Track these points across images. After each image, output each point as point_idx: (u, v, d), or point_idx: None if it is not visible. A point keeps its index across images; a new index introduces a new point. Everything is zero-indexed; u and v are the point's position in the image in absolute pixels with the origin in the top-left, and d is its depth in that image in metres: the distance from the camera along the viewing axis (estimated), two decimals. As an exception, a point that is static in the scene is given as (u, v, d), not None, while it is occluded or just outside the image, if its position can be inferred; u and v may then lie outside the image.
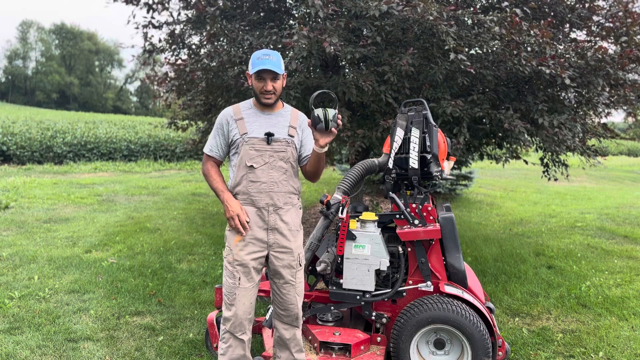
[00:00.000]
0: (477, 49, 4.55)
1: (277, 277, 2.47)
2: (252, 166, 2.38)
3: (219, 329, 2.94)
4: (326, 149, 2.33)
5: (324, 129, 2.23)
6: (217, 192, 2.47)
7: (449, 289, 2.73)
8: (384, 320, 2.89)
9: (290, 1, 5.67)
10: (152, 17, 6.06)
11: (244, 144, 2.39)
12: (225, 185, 2.48)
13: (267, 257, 2.46)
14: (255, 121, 2.43)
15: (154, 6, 5.95)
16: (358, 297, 2.87)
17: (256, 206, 2.40)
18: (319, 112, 2.20)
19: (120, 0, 5.98)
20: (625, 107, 5.40)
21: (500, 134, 5.32)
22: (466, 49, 4.21)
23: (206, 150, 2.52)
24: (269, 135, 2.39)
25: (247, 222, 2.38)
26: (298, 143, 2.49)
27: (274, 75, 2.38)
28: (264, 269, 2.54)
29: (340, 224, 2.87)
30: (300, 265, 2.51)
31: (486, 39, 4.21)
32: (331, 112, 2.21)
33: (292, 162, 2.46)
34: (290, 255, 2.45)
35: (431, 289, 2.82)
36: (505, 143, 5.70)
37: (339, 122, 2.25)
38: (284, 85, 2.48)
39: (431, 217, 2.94)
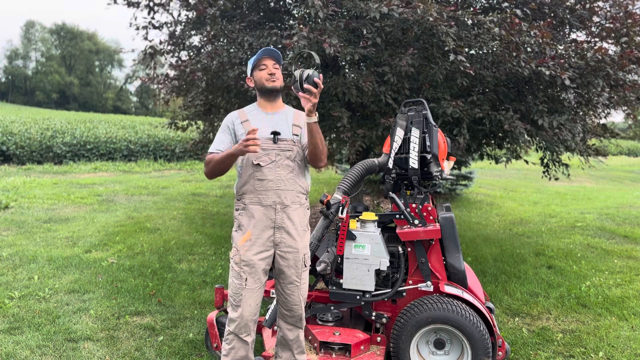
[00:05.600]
0: (476, 49, 4.55)
1: (281, 277, 2.46)
2: (258, 164, 2.39)
3: (219, 329, 2.94)
4: (314, 118, 2.26)
5: (299, 89, 2.19)
6: (223, 156, 2.29)
7: (449, 289, 2.74)
8: (384, 320, 2.89)
9: (290, 1, 5.68)
10: (152, 18, 6.07)
11: None
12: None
13: (273, 257, 2.46)
14: (260, 121, 2.45)
15: (155, 8, 5.96)
16: (358, 297, 2.87)
17: (263, 204, 2.39)
18: (296, 73, 2.18)
19: (121, 2, 5.99)
20: (624, 108, 5.41)
21: (500, 135, 5.32)
22: (466, 50, 4.21)
23: (211, 150, 2.43)
24: (275, 134, 2.40)
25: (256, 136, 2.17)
26: (303, 141, 2.50)
27: (274, 62, 2.44)
28: None
29: (340, 224, 2.87)
30: (306, 265, 2.50)
31: (486, 39, 4.21)
32: (306, 72, 2.18)
33: (298, 161, 2.46)
34: (296, 254, 2.44)
35: (431, 289, 2.82)
36: (505, 143, 5.70)
37: (317, 81, 2.14)
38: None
39: (431, 217, 2.95)
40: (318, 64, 2.37)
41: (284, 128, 2.45)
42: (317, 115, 2.31)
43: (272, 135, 2.40)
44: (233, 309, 2.41)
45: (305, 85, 2.17)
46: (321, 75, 2.19)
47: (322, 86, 2.20)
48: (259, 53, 2.45)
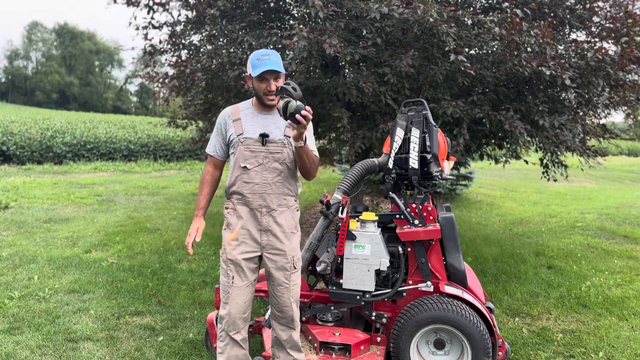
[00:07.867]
0: (477, 49, 4.55)
1: (270, 279, 2.46)
2: (245, 167, 2.38)
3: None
4: (302, 143, 2.25)
5: (285, 120, 2.15)
6: (196, 205, 2.60)
7: (449, 289, 2.73)
8: (384, 320, 2.89)
9: (290, 1, 5.67)
10: (152, 18, 6.06)
11: (240, 145, 2.39)
12: (206, 204, 2.59)
13: (261, 258, 2.46)
14: (252, 122, 2.43)
15: (154, 7, 5.95)
16: (358, 297, 2.87)
17: (250, 207, 2.40)
18: (281, 102, 2.14)
19: (121, 2, 5.98)
20: (624, 109, 5.40)
21: (500, 135, 5.32)
22: (466, 50, 4.20)
23: (208, 150, 2.55)
24: (264, 136, 2.39)
25: (194, 242, 2.54)
26: None
27: (276, 75, 2.37)
28: (262, 269, 2.54)
29: (340, 224, 2.87)
30: (295, 267, 2.47)
31: (486, 39, 4.21)
32: (293, 105, 2.12)
33: (287, 163, 2.42)
34: (283, 257, 2.42)
35: (431, 289, 2.82)
36: (505, 144, 5.70)
37: (306, 113, 2.10)
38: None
39: (431, 217, 2.95)
40: (300, 95, 2.28)
41: (275, 130, 2.42)
42: (305, 139, 2.26)
43: (260, 138, 2.38)
44: (222, 306, 2.44)
45: (297, 117, 2.09)
46: (307, 106, 2.12)
47: (311, 117, 2.14)
48: (261, 63, 2.32)
